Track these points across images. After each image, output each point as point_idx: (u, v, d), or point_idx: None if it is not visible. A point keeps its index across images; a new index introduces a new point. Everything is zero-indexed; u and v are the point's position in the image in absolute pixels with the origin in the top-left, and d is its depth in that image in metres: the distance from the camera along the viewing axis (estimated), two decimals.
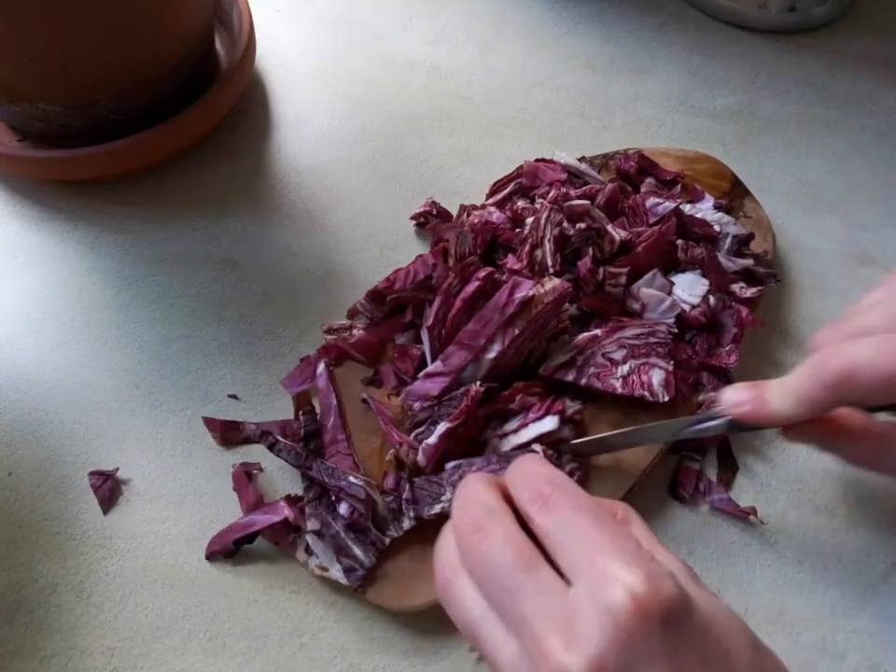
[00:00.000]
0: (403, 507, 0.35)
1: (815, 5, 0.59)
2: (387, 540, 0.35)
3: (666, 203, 0.44)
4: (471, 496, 0.28)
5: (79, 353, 0.44)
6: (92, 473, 0.39)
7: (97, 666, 0.34)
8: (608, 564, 0.24)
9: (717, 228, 0.45)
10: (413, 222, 0.48)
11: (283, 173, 0.52)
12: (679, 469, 0.39)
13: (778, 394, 0.32)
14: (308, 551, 0.36)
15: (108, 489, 0.39)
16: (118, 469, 0.39)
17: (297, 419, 0.39)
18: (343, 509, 0.36)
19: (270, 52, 0.58)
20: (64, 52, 0.44)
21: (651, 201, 0.45)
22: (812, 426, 0.32)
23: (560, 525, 0.26)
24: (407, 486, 0.36)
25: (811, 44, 0.60)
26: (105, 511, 0.38)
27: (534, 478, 0.27)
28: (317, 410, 0.40)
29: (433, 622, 0.35)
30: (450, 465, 0.36)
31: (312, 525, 0.36)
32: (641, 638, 0.23)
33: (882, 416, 0.33)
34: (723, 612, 0.25)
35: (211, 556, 0.37)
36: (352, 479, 0.36)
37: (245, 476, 0.39)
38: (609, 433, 0.37)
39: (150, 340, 0.44)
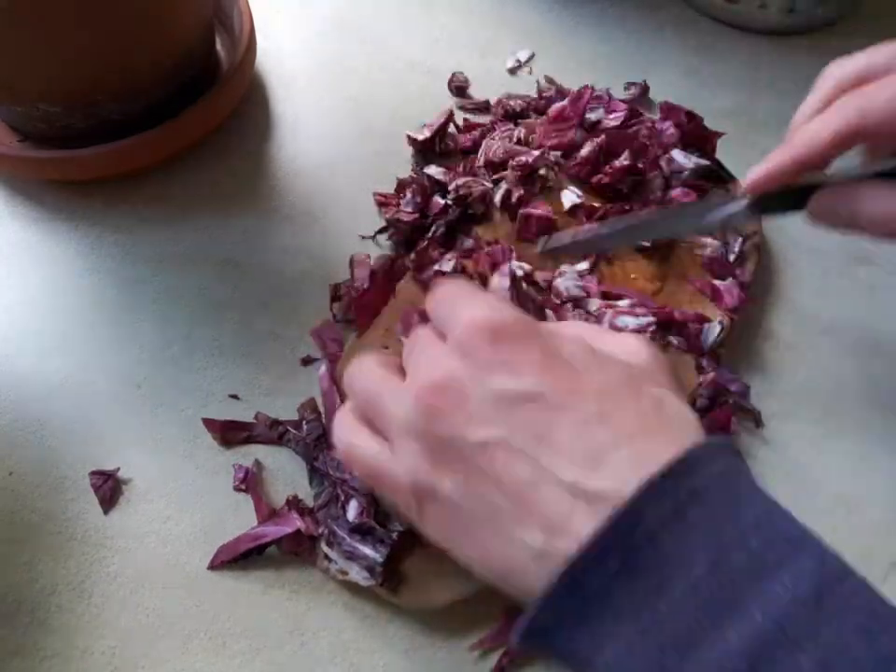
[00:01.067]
0: None
1: (815, 6, 0.59)
2: (394, 534, 0.35)
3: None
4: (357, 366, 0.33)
5: (80, 353, 0.44)
6: (93, 473, 0.39)
7: (98, 666, 0.34)
8: (461, 309, 0.29)
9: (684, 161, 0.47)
10: None
11: (283, 173, 0.52)
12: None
13: (800, 138, 0.32)
14: (327, 557, 0.35)
15: (109, 489, 0.39)
16: (118, 468, 0.39)
17: (301, 426, 0.39)
18: (351, 512, 0.35)
19: (270, 53, 0.58)
20: (65, 53, 0.44)
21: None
22: (836, 190, 0.32)
23: (443, 303, 0.31)
24: None
25: (811, 45, 0.60)
26: (106, 511, 0.38)
27: (443, 290, 0.32)
28: (322, 411, 0.40)
29: (435, 621, 0.35)
30: None
31: (324, 529, 0.36)
32: (477, 349, 0.27)
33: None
34: (627, 346, 0.29)
35: (216, 567, 0.36)
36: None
37: (257, 487, 0.39)
38: (595, 228, 0.35)
39: (151, 340, 0.44)
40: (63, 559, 0.37)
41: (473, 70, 0.57)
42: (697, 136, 0.48)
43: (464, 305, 0.29)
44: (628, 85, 0.56)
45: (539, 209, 0.45)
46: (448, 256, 0.43)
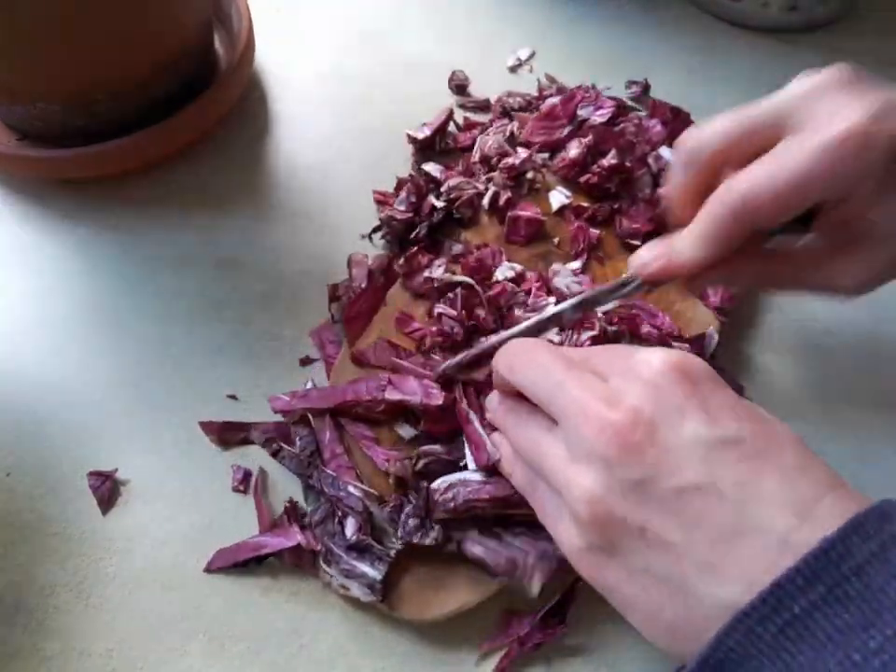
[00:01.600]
0: (400, 523, 0.35)
1: (816, 4, 0.59)
2: (392, 552, 0.34)
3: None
4: (510, 347, 0.33)
5: (78, 353, 0.44)
6: (91, 474, 0.39)
7: (96, 667, 0.34)
8: (637, 353, 0.28)
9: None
10: None
11: (282, 172, 0.52)
12: None
13: (687, 241, 0.32)
14: (327, 573, 0.35)
15: (107, 490, 0.38)
16: (116, 469, 0.39)
17: (293, 441, 0.39)
18: (348, 529, 0.35)
19: (269, 52, 0.58)
20: (63, 52, 0.44)
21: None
22: (718, 268, 0.32)
23: (589, 350, 0.31)
24: (406, 502, 0.35)
25: (812, 43, 0.60)
26: (104, 512, 0.38)
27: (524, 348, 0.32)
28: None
29: (435, 626, 0.35)
30: (439, 482, 0.35)
31: (321, 547, 0.35)
32: (672, 390, 0.26)
33: (778, 239, 0.34)
34: (762, 409, 0.28)
35: (212, 571, 0.36)
36: (351, 489, 0.35)
37: (258, 491, 0.38)
38: (494, 338, 0.36)
39: (150, 340, 0.44)
40: (61, 560, 0.37)
41: (474, 68, 0.57)
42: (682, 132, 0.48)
43: (636, 351, 0.28)
44: (629, 83, 0.56)
45: (528, 211, 0.45)
46: (438, 262, 0.43)
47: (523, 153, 0.47)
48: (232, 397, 0.42)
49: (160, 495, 0.39)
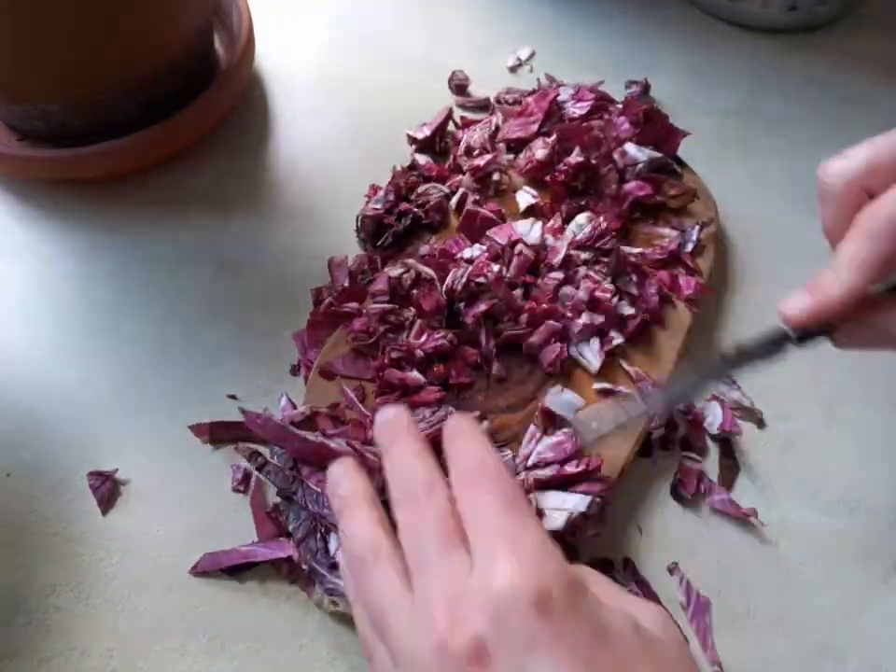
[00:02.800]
0: None
1: (816, 4, 0.59)
2: None
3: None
4: (403, 462, 0.29)
5: (78, 353, 0.44)
6: (91, 474, 0.39)
7: (96, 667, 0.34)
8: (503, 551, 0.25)
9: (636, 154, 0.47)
10: None
11: (282, 172, 0.52)
12: (681, 470, 0.39)
13: (833, 274, 0.30)
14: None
15: (107, 490, 0.38)
16: (116, 469, 0.39)
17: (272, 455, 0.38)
18: (332, 545, 0.34)
19: (269, 52, 0.58)
20: (63, 52, 0.44)
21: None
22: (864, 312, 0.30)
23: (477, 503, 0.27)
24: None
25: (812, 43, 0.60)
26: (104, 512, 0.38)
27: (468, 451, 0.29)
28: None
29: None
30: None
31: (304, 566, 0.35)
32: (517, 622, 0.24)
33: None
34: (656, 621, 0.26)
35: (198, 574, 0.36)
36: None
37: (261, 506, 0.38)
38: (620, 402, 0.35)
39: (149, 340, 0.44)
40: (61, 560, 0.37)
41: (473, 68, 0.57)
42: (659, 133, 0.48)
43: (507, 543, 0.25)
44: (629, 83, 0.56)
45: (486, 209, 0.45)
46: (397, 263, 0.43)
47: (488, 155, 0.48)
48: (232, 397, 0.42)
49: (159, 495, 0.39)
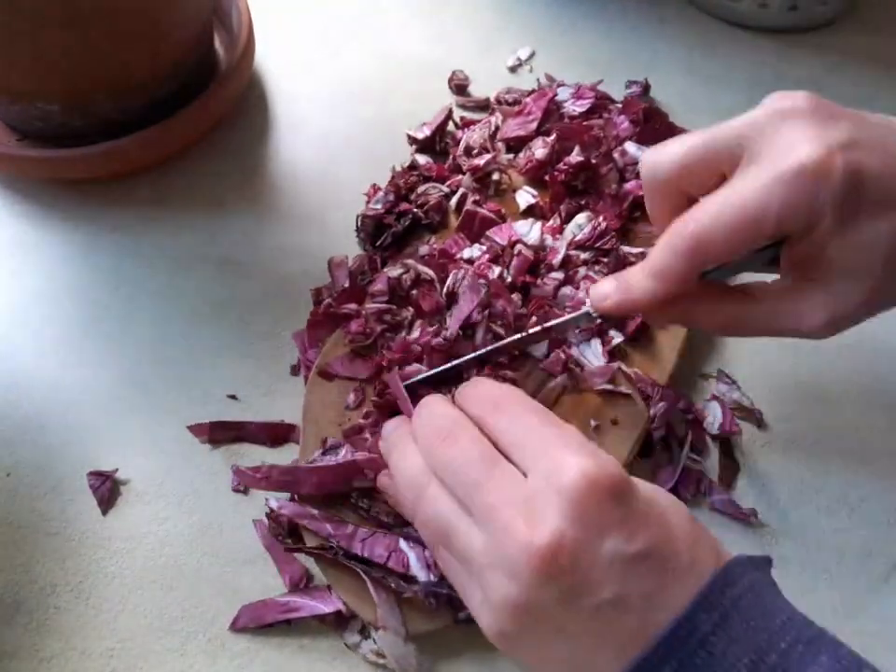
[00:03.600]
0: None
1: (816, 4, 0.59)
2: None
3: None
4: (432, 411, 0.32)
5: (78, 353, 0.43)
6: (91, 474, 0.39)
7: (96, 668, 0.34)
8: (558, 451, 0.27)
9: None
10: None
11: (282, 172, 0.52)
12: (681, 470, 0.39)
13: (640, 277, 0.32)
14: (365, 634, 0.34)
15: (107, 490, 0.38)
16: (117, 469, 0.39)
17: None
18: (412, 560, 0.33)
19: (269, 52, 0.58)
20: (63, 52, 0.44)
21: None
22: (673, 305, 0.32)
23: (512, 424, 0.30)
24: None
25: (812, 43, 0.60)
26: (104, 512, 0.38)
27: (484, 390, 0.32)
28: None
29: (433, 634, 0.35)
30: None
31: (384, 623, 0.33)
32: (594, 511, 0.26)
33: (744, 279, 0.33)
34: (662, 492, 0.29)
35: (237, 630, 0.35)
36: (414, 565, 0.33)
37: (282, 541, 0.36)
38: (456, 361, 0.37)
39: (149, 340, 0.44)
40: (61, 560, 0.37)
41: (474, 68, 0.57)
42: (659, 132, 0.48)
43: (559, 446, 0.28)
44: (629, 83, 0.56)
45: (489, 211, 0.45)
46: (396, 263, 0.43)
47: (488, 155, 0.48)
48: (232, 397, 0.42)
49: (159, 494, 0.39)
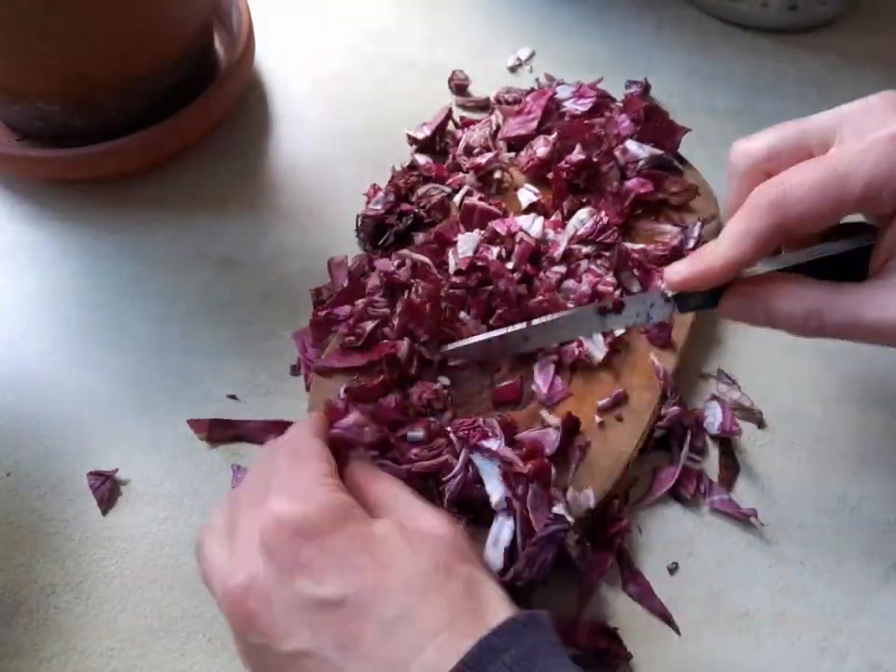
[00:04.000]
0: None
1: (816, 4, 0.59)
2: None
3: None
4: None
5: (78, 353, 0.43)
6: (91, 474, 0.39)
7: (96, 667, 0.34)
8: (274, 492, 0.28)
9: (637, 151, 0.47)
10: None
11: (282, 172, 0.52)
12: (680, 470, 0.39)
13: (721, 240, 0.30)
14: None
15: (107, 490, 0.38)
16: (117, 469, 0.39)
17: None
18: None
19: (269, 52, 0.58)
20: (63, 51, 0.44)
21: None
22: (753, 290, 0.31)
23: (270, 464, 0.31)
24: None
25: (812, 43, 0.60)
26: (104, 512, 0.38)
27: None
28: None
29: None
30: None
31: None
32: (280, 552, 0.27)
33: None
34: (423, 537, 0.28)
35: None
36: None
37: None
38: (497, 332, 0.36)
39: (149, 340, 0.44)
40: (61, 560, 0.37)
41: (473, 68, 0.57)
42: (660, 130, 0.48)
43: (275, 487, 0.29)
44: (629, 83, 0.56)
45: (487, 205, 0.45)
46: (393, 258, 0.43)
47: (490, 154, 0.48)
48: (232, 397, 0.42)
49: (159, 495, 0.39)
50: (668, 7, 0.62)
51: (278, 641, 0.26)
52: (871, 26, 0.61)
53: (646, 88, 0.55)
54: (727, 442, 0.40)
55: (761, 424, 0.41)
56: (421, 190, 0.47)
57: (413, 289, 0.40)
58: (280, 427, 0.40)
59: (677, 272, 0.32)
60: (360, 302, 0.41)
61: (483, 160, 0.47)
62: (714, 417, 0.40)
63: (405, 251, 0.43)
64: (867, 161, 0.27)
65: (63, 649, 0.34)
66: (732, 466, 0.40)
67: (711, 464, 0.40)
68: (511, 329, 0.36)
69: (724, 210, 0.34)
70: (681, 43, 0.60)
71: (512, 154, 0.49)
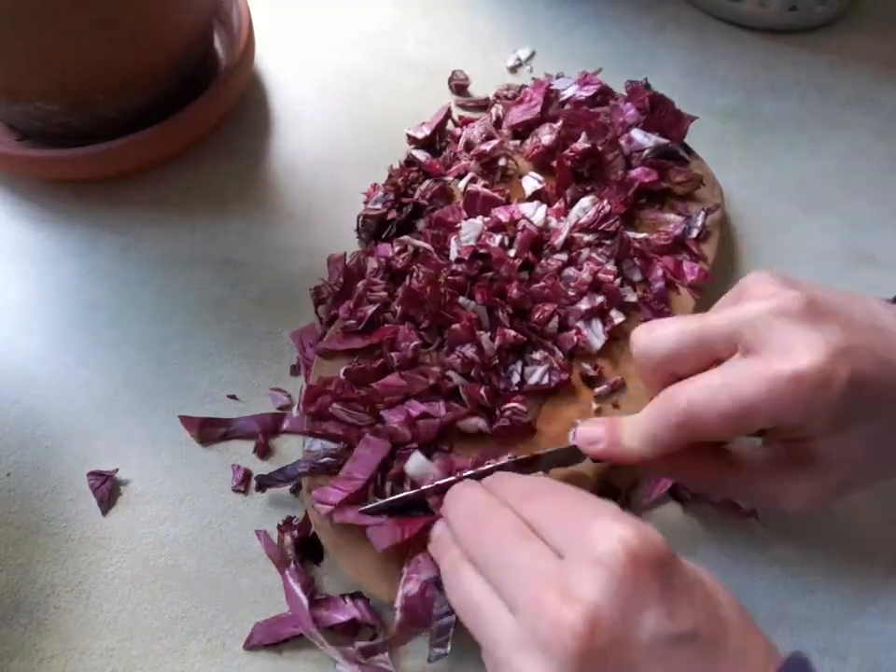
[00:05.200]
0: None
1: (816, 4, 0.59)
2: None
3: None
4: (465, 496, 0.31)
5: (78, 353, 0.43)
6: (91, 474, 0.39)
7: (96, 667, 0.34)
8: (597, 523, 0.26)
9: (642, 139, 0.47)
10: None
11: (283, 172, 0.52)
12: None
13: (630, 434, 0.32)
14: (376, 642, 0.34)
15: (107, 490, 0.38)
16: (117, 469, 0.39)
17: None
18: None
19: (269, 51, 0.58)
20: (63, 51, 0.44)
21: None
22: (666, 465, 0.32)
23: (545, 506, 0.28)
24: None
25: (812, 43, 0.60)
26: (104, 512, 0.38)
27: (515, 481, 0.32)
28: None
29: None
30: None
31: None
32: (634, 584, 0.24)
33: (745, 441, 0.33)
34: (707, 574, 0.27)
35: (251, 648, 0.34)
36: None
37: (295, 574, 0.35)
38: (410, 492, 0.34)
39: (149, 340, 0.44)
40: (61, 560, 0.37)
41: (473, 68, 0.57)
42: (665, 119, 0.48)
43: (595, 517, 0.26)
44: (629, 83, 0.56)
45: (489, 191, 0.45)
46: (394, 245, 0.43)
47: (494, 141, 0.48)
48: (233, 397, 0.42)
49: (159, 495, 0.39)
50: (668, 8, 0.63)
51: None
52: (871, 26, 0.61)
53: (646, 87, 0.55)
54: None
55: None
56: (423, 186, 0.47)
57: (414, 275, 0.40)
58: (267, 419, 0.40)
59: (592, 441, 0.33)
60: (360, 285, 0.41)
61: (487, 147, 0.47)
62: None
63: (406, 237, 0.43)
64: (772, 399, 0.28)
65: (63, 648, 0.34)
66: None
67: None
68: (449, 479, 0.34)
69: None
70: (682, 43, 0.60)
71: (517, 142, 0.50)
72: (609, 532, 0.25)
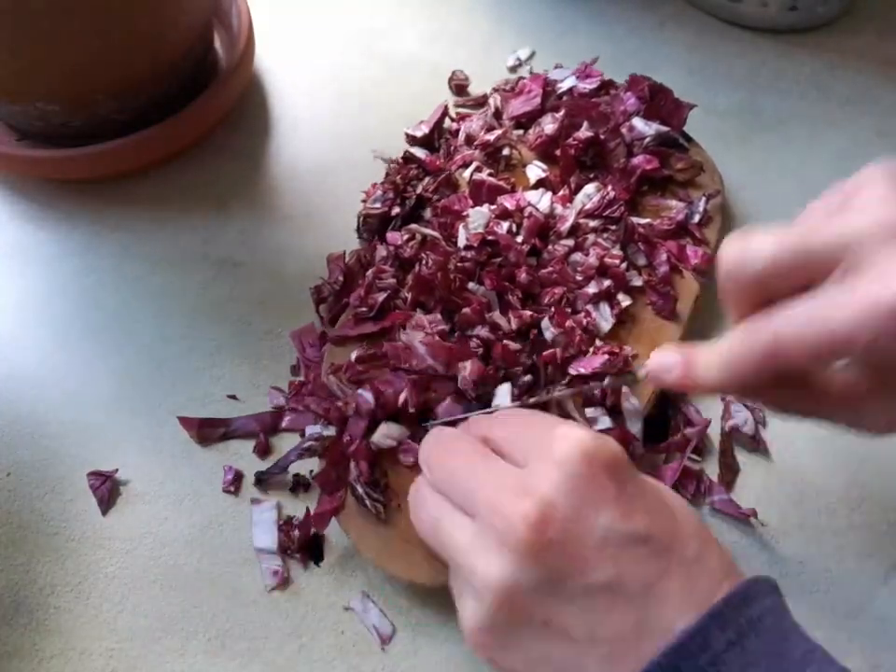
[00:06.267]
0: None
1: (816, 4, 0.59)
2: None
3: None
4: (437, 433, 0.33)
5: (78, 353, 0.44)
6: (91, 474, 0.39)
7: (96, 667, 0.34)
8: (557, 431, 0.27)
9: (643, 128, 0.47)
10: None
11: (282, 172, 0.52)
12: (680, 470, 0.39)
13: (706, 363, 0.29)
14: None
15: (107, 490, 0.38)
16: (117, 469, 0.39)
17: None
18: None
19: (269, 52, 0.58)
20: (63, 52, 0.44)
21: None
22: (742, 391, 0.31)
23: (512, 429, 0.30)
24: None
25: (812, 43, 0.60)
26: (104, 512, 0.38)
27: (489, 417, 0.33)
28: None
29: (433, 624, 0.35)
30: None
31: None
32: (589, 483, 0.25)
33: None
34: (669, 490, 0.28)
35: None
36: None
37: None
38: (485, 410, 0.36)
39: (149, 340, 0.44)
40: (61, 560, 0.37)
41: (474, 68, 0.57)
42: (664, 108, 0.49)
43: (557, 427, 0.27)
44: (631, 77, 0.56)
45: (494, 180, 0.45)
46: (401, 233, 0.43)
47: (497, 130, 0.48)
48: (232, 397, 0.42)
49: (159, 495, 0.39)
50: (668, 7, 0.62)
51: (577, 572, 0.24)
52: (871, 26, 0.61)
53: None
54: (728, 442, 0.40)
55: (763, 423, 0.41)
56: (425, 182, 0.47)
57: (424, 262, 0.41)
58: (267, 418, 0.40)
59: (668, 369, 0.30)
60: (370, 273, 0.42)
61: (491, 136, 0.48)
62: (744, 420, 0.40)
63: (414, 226, 0.43)
64: (869, 329, 0.25)
65: (63, 649, 0.35)
66: (732, 466, 0.40)
67: (711, 464, 0.40)
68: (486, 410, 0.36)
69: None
70: (682, 43, 0.60)
71: (520, 132, 0.50)
72: (567, 436, 0.26)
